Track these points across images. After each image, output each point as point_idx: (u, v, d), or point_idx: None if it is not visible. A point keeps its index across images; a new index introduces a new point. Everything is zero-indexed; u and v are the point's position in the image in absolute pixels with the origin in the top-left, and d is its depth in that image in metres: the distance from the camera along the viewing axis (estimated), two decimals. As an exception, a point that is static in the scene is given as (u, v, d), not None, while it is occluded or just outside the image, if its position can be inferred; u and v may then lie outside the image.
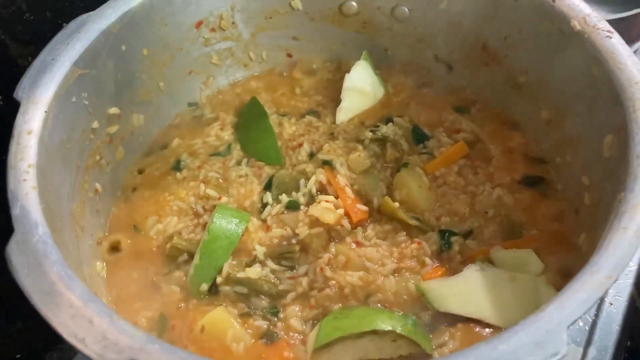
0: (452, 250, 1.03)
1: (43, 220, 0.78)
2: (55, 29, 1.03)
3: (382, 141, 1.18)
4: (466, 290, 0.94)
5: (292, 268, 1.01)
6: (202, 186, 1.12)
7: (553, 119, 1.10)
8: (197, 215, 1.09)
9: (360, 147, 1.17)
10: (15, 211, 0.78)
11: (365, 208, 1.08)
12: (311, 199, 1.09)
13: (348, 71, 1.27)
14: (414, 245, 1.03)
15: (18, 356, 1.13)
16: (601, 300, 1.11)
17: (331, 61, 1.36)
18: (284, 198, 1.10)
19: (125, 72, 1.11)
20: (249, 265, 1.01)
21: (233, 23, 1.26)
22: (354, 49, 1.32)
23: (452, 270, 1.00)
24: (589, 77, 0.97)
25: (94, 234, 1.04)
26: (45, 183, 0.85)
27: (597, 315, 1.09)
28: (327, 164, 1.14)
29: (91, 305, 0.69)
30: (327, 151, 1.16)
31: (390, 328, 0.88)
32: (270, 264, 1.01)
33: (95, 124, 1.04)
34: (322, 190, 1.11)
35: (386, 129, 1.18)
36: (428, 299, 0.94)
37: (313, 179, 1.11)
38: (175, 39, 1.20)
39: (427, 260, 1.01)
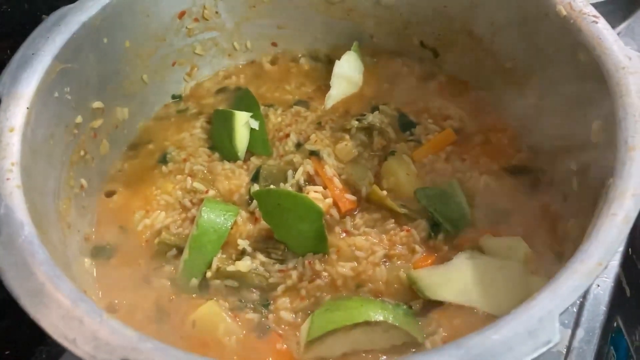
0: (440, 237, 1.03)
1: (29, 220, 0.77)
2: (35, 21, 1.01)
3: (369, 130, 1.17)
4: (457, 279, 0.94)
5: (281, 261, 1.01)
6: (189, 180, 1.12)
7: (541, 105, 1.10)
8: (184, 209, 1.09)
9: (347, 136, 1.16)
10: (-1, 212, 0.77)
11: (353, 198, 1.07)
12: (299, 190, 1.08)
13: (334, 60, 1.26)
14: (403, 233, 1.03)
15: (7, 352, 1.12)
16: (589, 283, 1.12)
17: (317, 50, 1.35)
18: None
19: (108, 65, 1.09)
20: (238, 258, 1.01)
21: (216, 12, 1.25)
22: (340, 37, 1.31)
23: (442, 257, 1.00)
24: (575, 62, 0.96)
25: (81, 230, 1.03)
26: (30, 181, 0.84)
27: (584, 297, 1.11)
28: (314, 154, 1.13)
29: (81, 305, 0.68)
30: (314, 141, 1.15)
31: (382, 319, 0.88)
32: (260, 256, 1.01)
33: (79, 119, 1.03)
34: (310, 180, 1.10)
35: (372, 118, 1.18)
36: (419, 287, 0.94)
37: (301, 169, 1.10)
38: (157, 30, 1.18)
39: (417, 247, 1.01)
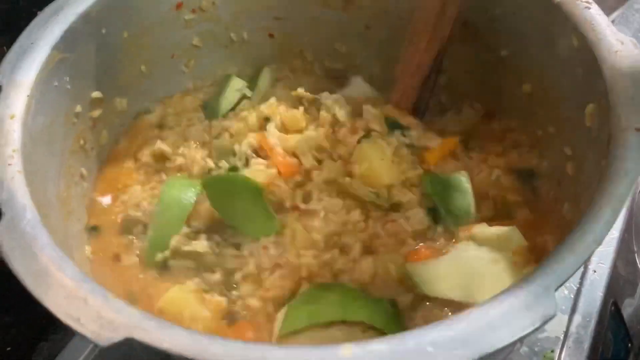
0: (438, 229, 1.02)
1: (31, 204, 0.77)
2: (30, 17, 1.01)
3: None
4: (454, 273, 0.92)
5: (237, 246, 1.00)
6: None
7: (535, 92, 1.11)
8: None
9: (301, 108, 1.17)
10: (1, 196, 0.77)
11: (294, 160, 1.07)
12: (246, 163, 1.09)
13: (330, 52, 1.27)
14: (389, 225, 1.01)
15: (9, 349, 1.12)
16: (585, 269, 1.13)
17: (314, 41, 1.35)
18: (224, 164, 1.10)
19: (107, 55, 1.09)
20: (195, 238, 1.00)
21: (213, 3, 1.25)
22: (336, 28, 1.31)
23: (437, 250, 0.99)
24: (569, 48, 0.97)
25: (81, 218, 1.04)
26: (31, 168, 0.84)
27: (581, 283, 1.11)
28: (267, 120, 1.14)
29: (84, 285, 0.69)
30: (269, 106, 1.16)
31: (360, 319, 0.85)
32: (216, 237, 1.00)
33: (79, 108, 1.03)
34: (259, 155, 1.10)
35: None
36: (416, 282, 0.92)
37: (245, 142, 1.11)
38: (155, 22, 1.18)
39: (409, 240, 1.00)
